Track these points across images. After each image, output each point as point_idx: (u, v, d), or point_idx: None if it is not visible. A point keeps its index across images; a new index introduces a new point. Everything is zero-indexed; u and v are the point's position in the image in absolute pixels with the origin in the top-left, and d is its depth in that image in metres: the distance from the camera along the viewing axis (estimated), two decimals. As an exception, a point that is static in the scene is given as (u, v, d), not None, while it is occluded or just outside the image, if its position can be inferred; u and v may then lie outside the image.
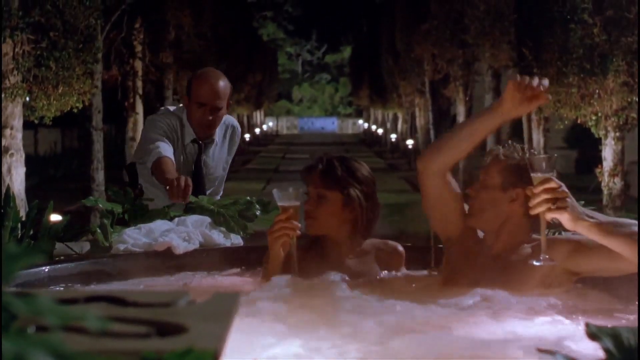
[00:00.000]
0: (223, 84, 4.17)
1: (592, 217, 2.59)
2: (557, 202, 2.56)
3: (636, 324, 2.34)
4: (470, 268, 2.92)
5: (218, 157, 4.37)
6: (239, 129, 4.53)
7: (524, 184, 2.77)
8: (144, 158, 4.05)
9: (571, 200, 2.58)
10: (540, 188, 2.57)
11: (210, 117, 4.16)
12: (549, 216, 2.59)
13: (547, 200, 2.56)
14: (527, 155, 2.81)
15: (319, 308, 2.47)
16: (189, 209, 3.81)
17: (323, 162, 3.01)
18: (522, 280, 2.80)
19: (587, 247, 2.72)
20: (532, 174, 2.61)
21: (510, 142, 2.96)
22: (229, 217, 3.73)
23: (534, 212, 2.59)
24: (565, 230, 2.80)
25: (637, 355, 1.25)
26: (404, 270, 3.12)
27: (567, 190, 2.58)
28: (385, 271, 3.07)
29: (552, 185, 2.56)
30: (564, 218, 2.57)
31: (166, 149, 4.01)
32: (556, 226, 3.09)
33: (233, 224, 3.70)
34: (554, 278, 2.79)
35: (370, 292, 2.74)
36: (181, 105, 4.32)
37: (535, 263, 2.69)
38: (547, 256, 2.66)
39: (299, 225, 2.87)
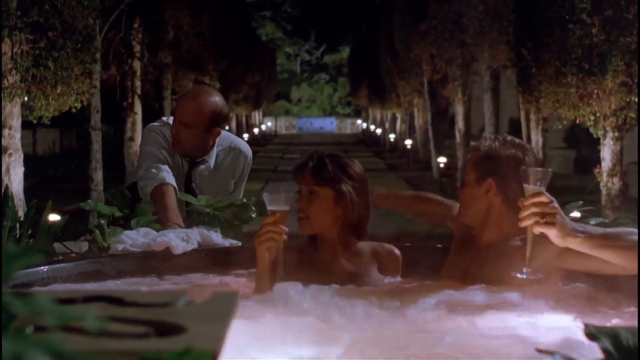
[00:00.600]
0: (199, 103, 4.02)
1: (583, 232, 2.58)
2: (545, 217, 2.55)
3: (635, 324, 2.34)
4: (459, 261, 2.97)
5: (214, 180, 4.18)
6: (248, 154, 4.30)
7: (493, 173, 2.86)
8: (144, 179, 3.93)
9: (561, 217, 2.56)
10: (530, 201, 2.56)
11: (176, 132, 4.04)
12: (537, 230, 2.58)
13: (535, 214, 2.55)
14: (497, 144, 2.89)
15: (313, 311, 2.46)
16: (186, 212, 3.83)
17: (314, 160, 3.01)
18: (509, 272, 2.80)
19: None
20: (524, 185, 2.61)
21: (483, 134, 3.05)
22: (224, 221, 3.73)
23: (522, 224, 2.59)
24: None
25: (637, 355, 1.24)
26: (399, 274, 3.11)
27: (557, 206, 2.57)
28: (381, 274, 3.06)
29: (542, 199, 2.55)
30: (551, 234, 2.56)
31: (168, 172, 3.92)
32: None
33: (228, 228, 3.70)
34: (543, 273, 2.79)
35: (364, 294, 2.74)
36: None
37: (518, 276, 2.69)
38: (529, 270, 2.66)
39: (286, 229, 2.85)
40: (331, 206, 2.98)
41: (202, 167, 4.16)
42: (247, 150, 4.32)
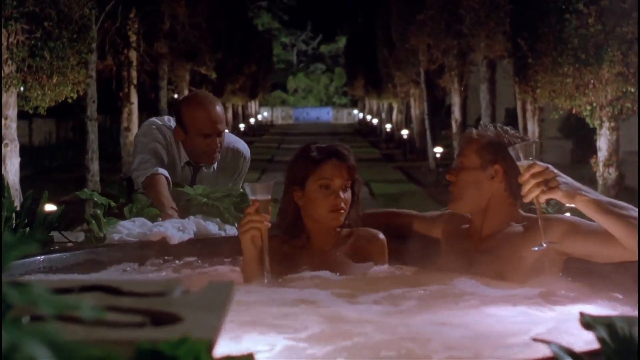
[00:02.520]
0: (220, 106, 4.01)
1: (590, 193, 2.60)
2: (547, 183, 2.56)
3: (631, 314, 2.34)
4: (458, 255, 2.95)
5: (215, 182, 4.10)
6: (247, 154, 4.24)
7: (501, 160, 2.85)
8: (137, 170, 3.87)
9: (563, 178, 2.58)
10: (527, 174, 2.57)
11: (211, 145, 3.95)
12: (543, 198, 2.59)
13: (537, 184, 2.56)
14: (501, 131, 2.91)
15: (303, 301, 2.47)
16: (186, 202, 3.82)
17: (349, 154, 2.98)
18: (514, 262, 2.80)
19: (583, 230, 2.71)
20: (517, 163, 2.62)
21: (481, 122, 3.04)
22: (224, 210, 3.72)
23: (527, 199, 2.59)
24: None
25: (633, 344, 1.25)
26: (386, 260, 3.08)
27: (554, 169, 2.59)
28: (367, 259, 3.03)
29: (536, 169, 2.56)
30: (559, 196, 2.57)
31: (161, 166, 3.87)
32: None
33: (227, 215, 3.69)
34: (547, 260, 2.79)
35: (352, 282, 2.75)
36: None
37: (535, 249, 2.69)
38: (547, 240, 2.67)
39: (269, 217, 2.83)
40: (351, 197, 2.99)
41: (206, 170, 4.12)
42: (246, 149, 4.27)
